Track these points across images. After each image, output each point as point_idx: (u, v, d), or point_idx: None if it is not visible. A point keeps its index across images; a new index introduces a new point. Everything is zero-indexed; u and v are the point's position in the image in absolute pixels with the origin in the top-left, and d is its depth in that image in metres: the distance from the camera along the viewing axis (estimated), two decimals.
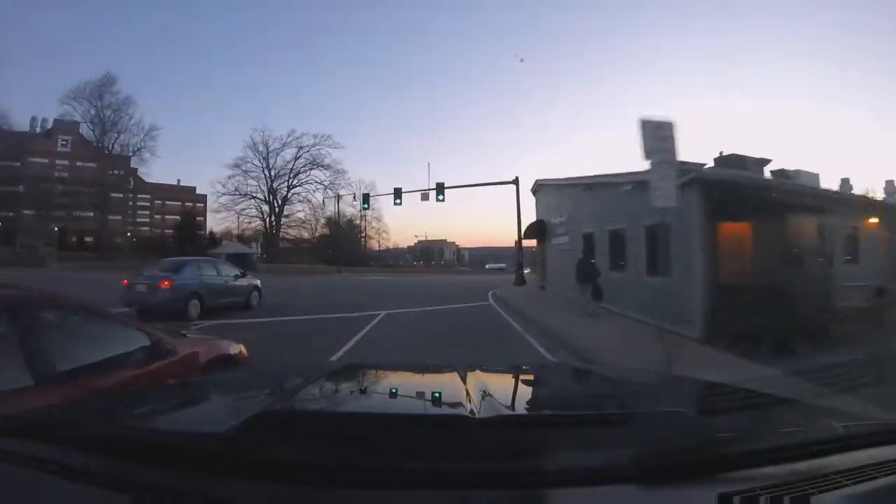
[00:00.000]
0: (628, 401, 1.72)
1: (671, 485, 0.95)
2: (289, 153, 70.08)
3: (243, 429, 1.02)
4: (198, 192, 79.78)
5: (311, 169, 70.07)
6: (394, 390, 1.74)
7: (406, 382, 1.95)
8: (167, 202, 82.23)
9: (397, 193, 32.67)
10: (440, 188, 30.96)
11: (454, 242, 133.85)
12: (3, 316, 2.39)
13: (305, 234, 73.49)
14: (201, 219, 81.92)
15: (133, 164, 69.63)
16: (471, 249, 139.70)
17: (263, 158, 69.01)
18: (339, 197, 58.49)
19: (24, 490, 0.98)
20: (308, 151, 70.76)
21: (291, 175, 69.89)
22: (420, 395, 1.66)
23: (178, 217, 79.89)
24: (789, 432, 1.25)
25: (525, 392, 1.88)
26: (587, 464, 0.96)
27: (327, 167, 70.28)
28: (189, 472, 0.96)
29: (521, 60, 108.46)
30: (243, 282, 15.05)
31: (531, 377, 2.26)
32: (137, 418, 1.32)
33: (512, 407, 1.40)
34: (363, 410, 1.41)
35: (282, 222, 69.77)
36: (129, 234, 72.51)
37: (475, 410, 1.17)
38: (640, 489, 0.94)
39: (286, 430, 1.06)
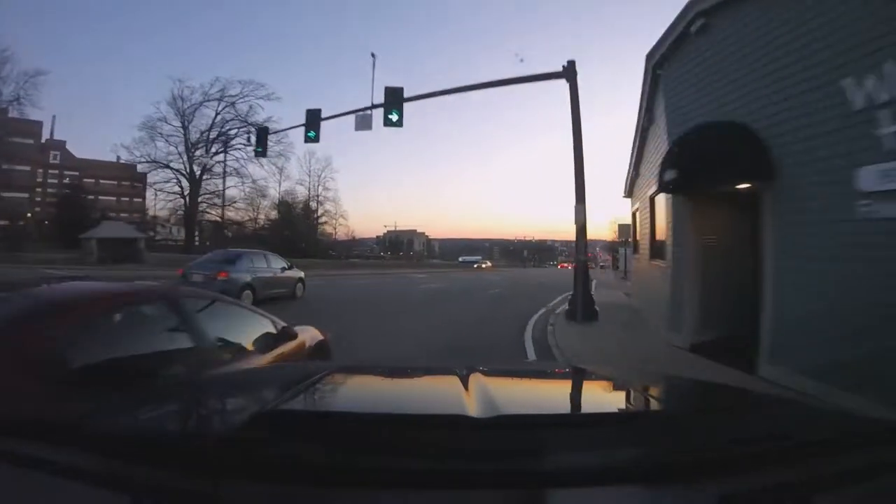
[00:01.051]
0: (628, 401, 1.60)
1: (671, 485, 0.91)
2: (214, 110, 50.76)
3: (243, 429, 0.98)
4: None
5: (238, 129, 50.86)
6: (394, 390, 1.71)
7: (406, 382, 1.85)
8: (101, 181, 65.76)
9: (311, 119, 15.76)
10: (393, 99, 13.76)
11: (424, 233, 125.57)
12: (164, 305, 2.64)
13: (238, 217, 54.56)
14: (139, 200, 65.43)
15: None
16: (441, 240, 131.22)
17: (180, 115, 49.44)
18: (227, 140, 38.87)
19: (24, 490, 0.95)
20: (233, 105, 50.76)
21: (212, 137, 50.50)
22: (420, 395, 1.65)
23: (112, 198, 63.43)
24: (790, 432, 1.18)
25: (525, 392, 1.74)
26: (587, 464, 0.92)
27: (261, 127, 50.44)
28: (189, 472, 0.92)
29: (521, 60, 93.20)
30: (289, 273, 14.84)
31: (531, 377, 2.08)
32: (137, 418, 1.24)
33: (512, 407, 1.27)
34: (363, 410, 1.28)
35: (201, 199, 50.39)
36: (29, 214, 53.93)
37: (475, 410, 1.10)
38: (641, 489, 0.90)
39: (286, 430, 1.00)
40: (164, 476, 0.91)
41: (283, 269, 14.65)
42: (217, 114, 49.59)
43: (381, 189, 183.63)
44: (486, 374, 1.55)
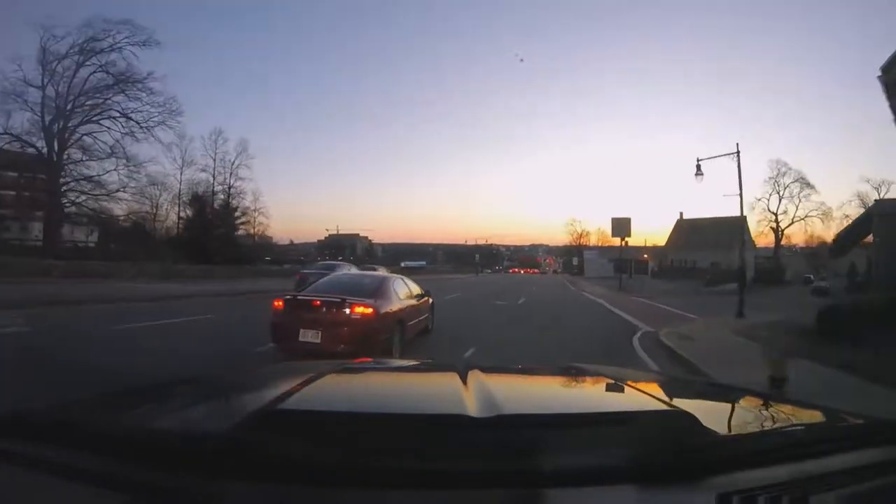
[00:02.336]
0: (628, 401, 1.58)
1: (671, 485, 0.90)
2: (76, 62, 35.06)
3: (243, 429, 0.96)
4: None
5: (112, 88, 37.33)
6: (394, 389, 1.69)
7: (406, 382, 1.84)
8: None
9: None
10: None
11: (367, 237, 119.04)
12: (397, 279, 9.18)
13: (124, 210, 40.81)
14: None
15: None
16: (385, 245, 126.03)
17: (43, 73, 33.77)
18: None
19: (24, 490, 0.93)
20: (100, 53, 35.27)
21: (74, 102, 36.83)
22: (420, 394, 1.62)
23: (11, 192, 50.30)
24: (789, 432, 1.22)
25: (525, 392, 1.72)
26: (587, 464, 0.91)
27: (137, 84, 36.21)
28: (189, 472, 0.91)
29: (521, 60, 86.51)
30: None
31: (531, 377, 2.03)
32: (137, 418, 1.24)
33: (512, 407, 1.23)
34: (363, 410, 1.26)
35: (71, 186, 36.76)
36: None
37: (475, 410, 1.08)
38: (640, 489, 0.89)
39: (286, 430, 0.98)
40: (164, 476, 0.89)
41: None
42: (78, 67, 34.96)
43: (325, 191, 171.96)
44: (485, 373, 1.53)
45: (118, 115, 36.37)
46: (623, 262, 45.55)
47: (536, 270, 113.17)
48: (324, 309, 6.86)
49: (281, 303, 7.21)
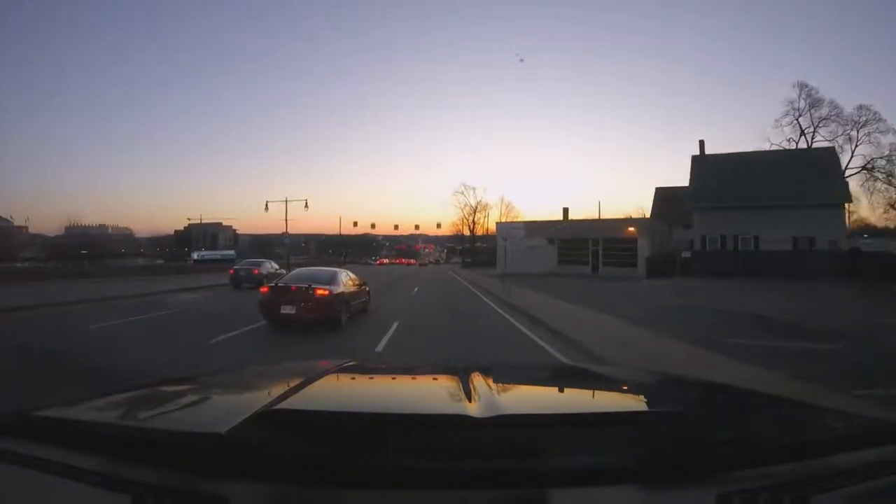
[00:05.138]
0: (628, 401, 1.56)
1: (671, 485, 0.89)
2: None
3: (243, 429, 0.93)
4: None
5: None
6: (394, 390, 1.66)
7: (407, 382, 1.79)
8: None
9: None
10: None
11: (231, 226, 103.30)
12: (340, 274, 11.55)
13: None
14: None
15: None
16: (251, 236, 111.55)
17: None
18: None
19: (24, 490, 0.92)
20: None
21: None
22: (421, 394, 1.59)
23: None
24: (789, 432, 1.18)
25: (525, 392, 1.68)
26: (587, 464, 0.89)
27: None
28: (189, 472, 0.89)
29: (521, 60, 73.83)
30: (280, 270, 23.40)
31: (532, 377, 2.01)
32: (137, 418, 1.22)
33: (512, 407, 1.24)
34: (363, 410, 1.23)
35: None
36: None
37: (475, 410, 1.07)
38: (640, 489, 0.87)
39: (286, 430, 0.97)
40: (164, 476, 0.88)
41: (277, 268, 24.12)
42: None
43: (190, 182, 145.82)
44: (486, 373, 1.46)
45: None
46: (581, 242, 27.78)
47: (413, 261, 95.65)
48: (297, 292, 9.71)
49: (266, 289, 10.24)
